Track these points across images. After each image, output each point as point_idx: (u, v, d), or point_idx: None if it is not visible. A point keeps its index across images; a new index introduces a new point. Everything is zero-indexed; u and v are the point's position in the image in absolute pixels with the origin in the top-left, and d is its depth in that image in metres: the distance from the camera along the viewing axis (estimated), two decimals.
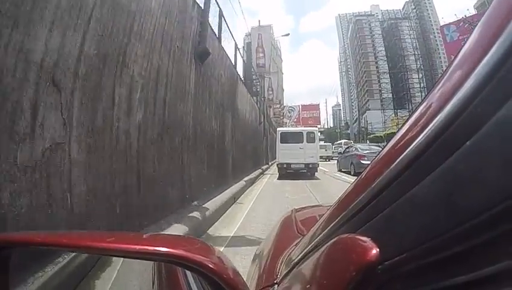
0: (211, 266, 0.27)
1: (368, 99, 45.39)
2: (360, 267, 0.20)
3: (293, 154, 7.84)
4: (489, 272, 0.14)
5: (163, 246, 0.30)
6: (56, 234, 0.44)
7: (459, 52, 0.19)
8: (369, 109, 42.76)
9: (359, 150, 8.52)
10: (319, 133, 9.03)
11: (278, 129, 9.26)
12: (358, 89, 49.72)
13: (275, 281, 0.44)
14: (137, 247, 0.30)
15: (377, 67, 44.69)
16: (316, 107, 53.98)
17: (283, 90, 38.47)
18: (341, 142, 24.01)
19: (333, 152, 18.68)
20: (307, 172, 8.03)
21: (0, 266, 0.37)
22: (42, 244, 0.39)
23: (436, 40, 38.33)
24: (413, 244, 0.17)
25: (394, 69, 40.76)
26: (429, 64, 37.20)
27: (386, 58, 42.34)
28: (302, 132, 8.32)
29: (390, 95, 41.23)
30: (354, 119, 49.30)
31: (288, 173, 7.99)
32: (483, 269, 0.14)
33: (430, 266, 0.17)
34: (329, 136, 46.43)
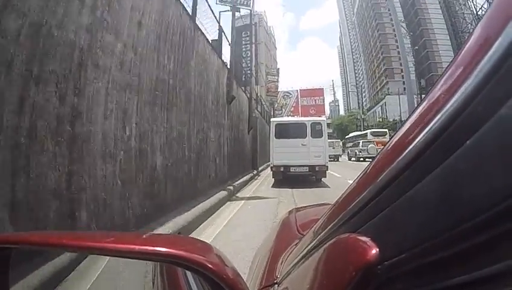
0: (210, 266, 0.27)
1: (387, 81, 38.26)
2: (360, 267, 0.20)
3: (292, 153, 5.92)
4: (489, 272, 0.14)
5: (163, 246, 0.30)
6: (56, 234, 0.46)
7: (460, 50, 0.19)
8: (389, 94, 34.99)
9: None
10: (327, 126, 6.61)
11: (272, 120, 6.95)
12: (374, 68, 42.15)
13: (275, 281, 0.44)
14: (137, 247, 0.30)
15: (396, 40, 39.23)
16: (319, 92, 40.62)
17: (278, 81, 34.81)
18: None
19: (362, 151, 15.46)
20: (311, 176, 6.13)
21: (0, 266, 0.37)
22: (42, 244, 0.40)
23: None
24: (414, 243, 0.18)
25: (417, 45, 35.91)
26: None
27: (406, 30, 37.17)
28: (304, 123, 6.27)
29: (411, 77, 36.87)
30: (367, 107, 41.03)
31: (285, 177, 6.05)
32: (484, 268, 0.14)
33: (431, 265, 0.17)
34: (342, 131, 34.06)
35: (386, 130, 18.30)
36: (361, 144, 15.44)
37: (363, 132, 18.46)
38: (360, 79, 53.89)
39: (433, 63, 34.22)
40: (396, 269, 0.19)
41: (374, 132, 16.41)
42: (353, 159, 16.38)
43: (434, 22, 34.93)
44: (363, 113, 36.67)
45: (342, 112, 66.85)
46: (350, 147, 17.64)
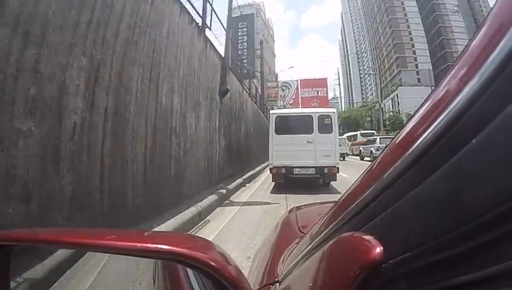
0: (212, 264, 0.27)
1: (400, 70, 34.09)
2: (364, 266, 0.20)
3: (296, 152, 4.88)
4: (492, 272, 0.14)
5: (165, 244, 0.30)
6: (57, 232, 0.46)
7: (465, 49, 0.18)
8: (402, 84, 31.54)
9: None
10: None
11: (272, 112, 5.64)
12: (383, 56, 37.52)
13: (277, 279, 0.44)
14: (139, 245, 0.30)
15: (408, 26, 32.60)
16: (322, 82, 33.97)
17: (276, 74, 30.02)
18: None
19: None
20: (318, 179, 5.10)
21: (1, 263, 0.38)
22: (43, 241, 0.40)
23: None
24: (417, 243, 0.18)
25: (430, 32, 30.93)
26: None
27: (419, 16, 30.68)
28: (311, 116, 5.06)
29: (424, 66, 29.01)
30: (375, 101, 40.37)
31: (286, 180, 4.97)
32: (487, 268, 0.14)
33: (434, 265, 0.17)
34: (350, 126, 29.37)
35: (374, 131, 19.66)
36: (378, 140, 14.95)
37: (354, 133, 20.39)
38: (366, 71, 51.43)
39: (449, 52, 31.95)
40: (401, 268, 0.19)
41: (362, 133, 18.68)
42: (367, 158, 14.31)
43: (449, 8, 32.56)
44: (381, 100, 29.52)
45: (343, 109, 61.41)
46: (362, 145, 17.59)
